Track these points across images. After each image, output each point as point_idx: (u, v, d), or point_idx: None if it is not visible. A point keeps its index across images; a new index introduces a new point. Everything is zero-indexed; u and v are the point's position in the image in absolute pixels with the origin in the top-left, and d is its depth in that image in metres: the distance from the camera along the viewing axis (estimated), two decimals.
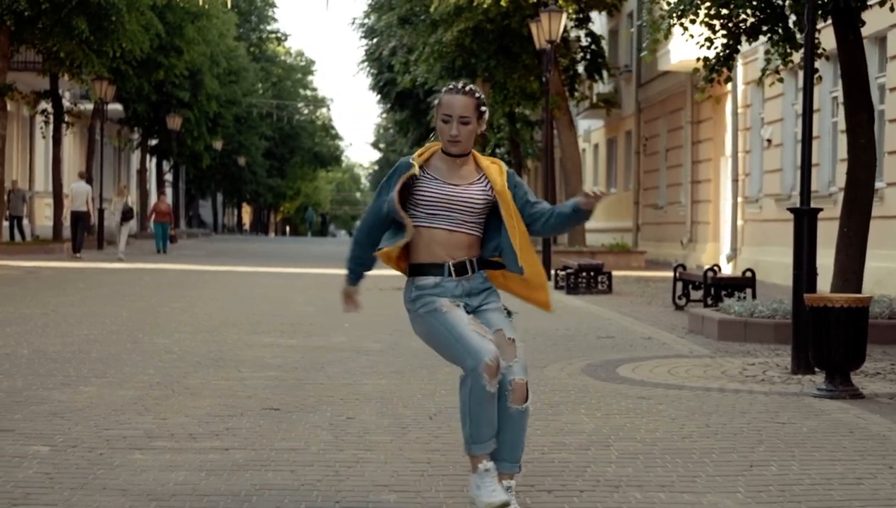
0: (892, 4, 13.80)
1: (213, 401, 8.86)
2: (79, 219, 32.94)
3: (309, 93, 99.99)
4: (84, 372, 10.30)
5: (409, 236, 5.57)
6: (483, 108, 5.61)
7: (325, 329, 14.40)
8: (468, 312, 5.59)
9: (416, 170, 5.58)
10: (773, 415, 8.61)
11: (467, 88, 5.60)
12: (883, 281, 18.59)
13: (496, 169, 5.66)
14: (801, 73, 19.07)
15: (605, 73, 38.21)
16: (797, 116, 24.74)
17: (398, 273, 5.77)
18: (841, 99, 21.09)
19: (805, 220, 10.86)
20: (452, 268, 5.58)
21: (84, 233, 33.83)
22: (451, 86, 5.63)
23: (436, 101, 5.71)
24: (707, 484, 6.36)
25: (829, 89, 22.56)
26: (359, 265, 5.81)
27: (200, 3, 35.37)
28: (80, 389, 9.31)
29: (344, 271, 5.84)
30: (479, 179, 5.61)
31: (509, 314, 5.68)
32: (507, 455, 5.58)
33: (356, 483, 6.28)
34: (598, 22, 39.98)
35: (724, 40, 14.20)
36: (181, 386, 9.63)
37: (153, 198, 57.25)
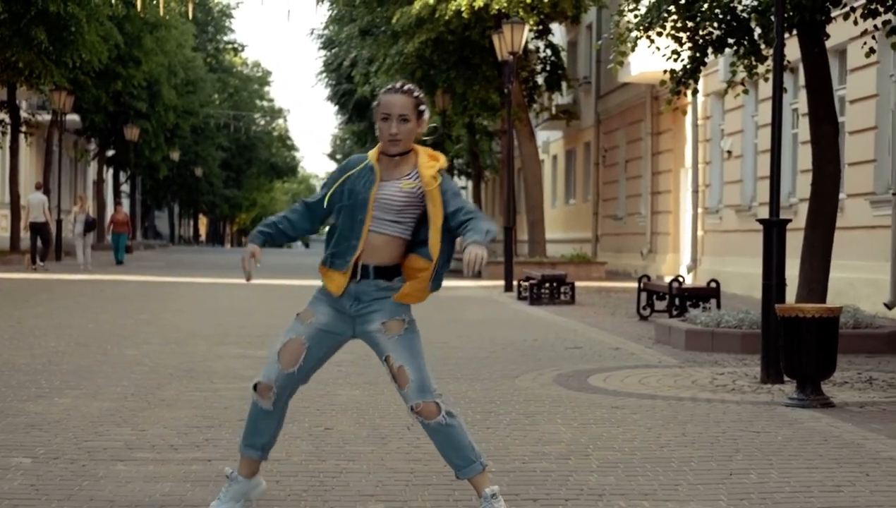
0: (856, 18, 13.97)
1: (189, 412, 8.86)
2: (38, 230, 32.74)
3: (265, 104, 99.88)
4: (56, 383, 10.27)
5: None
6: (422, 108, 5.56)
7: None
8: (346, 318, 5.62)
9: (375, 166, 5.57)
10: (747, 424, 8.70)
11: (406, 88, 5.56)
12: (843, 292, 18.77)
13: (430, 168, 5.53)
14: (761, 85, 19.29)
15: (564, 85, 38.38)
16: (757, 128, 24.99)
17: None
18: (802, 110, 21.33)
19: (774, 231, 10.98)
20: (367, 270, 5.57)
21: (46, 244, 33.63)
22: (389, 87, 5.61)
23: (374, 104, 5.66)
24: (689, 493, 6.42)
25: (790, 101, 22.76)
26: (277, 233, 5.72)
27: (161, 13, 35.21)
28: (54, 401, 9.29)
29: (261, 233, 5.70)
30: (408, 176, 5.55)
31: (407, 324, 5.59)
32: (458, 461, 5.64)
33: (342, 493, 6.31)
34: (558, 34, 40.17)
35: (691, 53, 14.32)
36: (156, 397, 9.62)
37: (110, 209, 57.03)
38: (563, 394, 10.19)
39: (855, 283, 19.35)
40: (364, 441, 7.83)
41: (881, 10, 13.56)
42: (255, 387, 5.69)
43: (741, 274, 24.37)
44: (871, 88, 19.76)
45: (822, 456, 7.47)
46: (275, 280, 29.69)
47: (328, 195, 5.64)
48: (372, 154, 5.66)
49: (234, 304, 20.96)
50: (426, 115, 5.60)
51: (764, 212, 21.91)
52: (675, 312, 17.51)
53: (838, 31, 16.03)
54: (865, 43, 14.80)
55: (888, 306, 18.17)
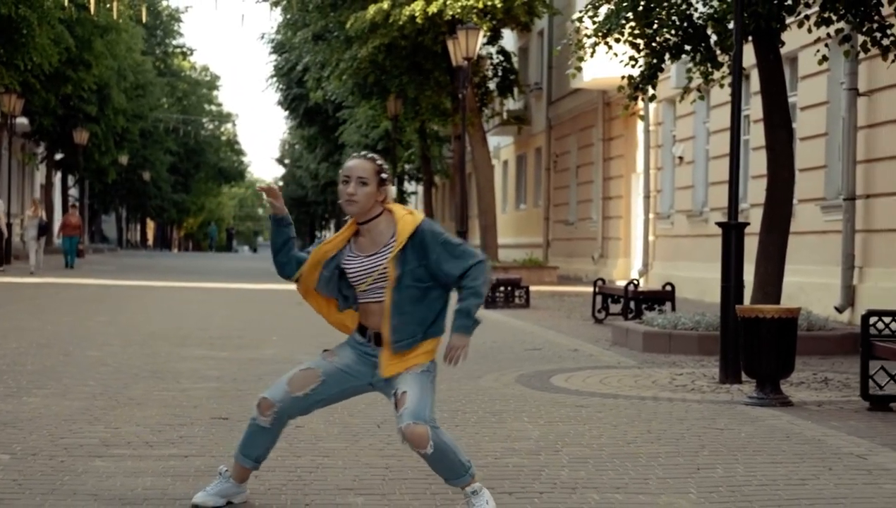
0: (810, 26, 14.22)
1: (160, 411, 8.94)
2: None
3: (214, 108, 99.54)
4: (23, 383, 10.32)
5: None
6: (384, 176, 5.68)
7: (255, 342, 14.50)
8: (368, 360, 5.79)
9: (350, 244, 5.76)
10: (710, 422, 8.89)
11: (369, 156, 5.73)
12: (795, 296, 19.03)
13: (406, 226, 5.66)
14: (713, 91, 19.51)
15: (515, 90, 38.57)
16: (708, 134, 25.28)
17: None
18: (753, 117, 21.64)
19: (733, 234, 11.19)
20: (373, 337, 5.77)
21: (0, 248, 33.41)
22: (355, 154, 5.79)
23: (340, 171, 5.82)
24: (659, 486, 6.59)
25: (742, 107, 23.03)
26: (286, 236, 5.84)
27: (115, 16, 35.07)
28: (24, 400, 9.34)
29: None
30: (391, 241, 5.66)
31: (426, 367, 5.75)
32: (447, 474, 5.77)
33: (321, 487, 6.44)
34: (509, 39, 40.38)
35: (648, 59, 14.52)
36: (124, 396, 9.69)
37: (57, 213, 56.62)
38: (526, 394, 10.35)
39: (806, 287, 19.64)
40: (336, 438, 7.95)
41: (834, 18, 13.81)
42: (258, 404, 5.85)
43: (692, 279, 24.64)
44: (822, 95, 20.06)
45: (785, 452, 7.67)
46: (229, 283, 29.74)
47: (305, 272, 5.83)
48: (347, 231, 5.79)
49: (191, 307, 20.98)
50: (389, 186, 5.71)
51: (715, 218, 22.20)
52: (630, 315, 17.71)
53: (790, 38, 16.26)
54: (818, 51, 15.05)
55: (839, 309, 18.47)
